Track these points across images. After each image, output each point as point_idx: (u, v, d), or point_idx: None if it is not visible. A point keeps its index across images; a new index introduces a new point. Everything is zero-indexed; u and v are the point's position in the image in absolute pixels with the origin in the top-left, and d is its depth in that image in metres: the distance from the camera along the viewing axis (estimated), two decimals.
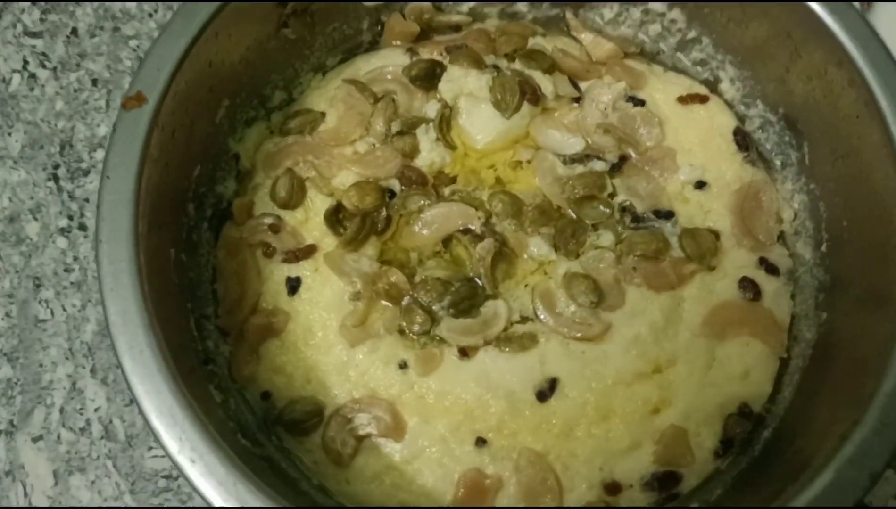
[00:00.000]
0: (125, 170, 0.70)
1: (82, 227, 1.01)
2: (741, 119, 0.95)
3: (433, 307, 0.84)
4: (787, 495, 0.64)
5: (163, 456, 0.91)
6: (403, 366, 0.82)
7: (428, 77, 0.93)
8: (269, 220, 0.86)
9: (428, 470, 0.79)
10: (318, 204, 0.88)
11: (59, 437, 0.92)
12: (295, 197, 0.87)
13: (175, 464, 0.64)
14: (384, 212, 0.88)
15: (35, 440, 0.91)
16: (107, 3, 1.13)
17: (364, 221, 0.86)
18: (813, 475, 0.64)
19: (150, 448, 0.91)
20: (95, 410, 0.93)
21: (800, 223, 0.90)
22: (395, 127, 0.91)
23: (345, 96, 0.92)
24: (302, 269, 0.86)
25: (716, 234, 0.88)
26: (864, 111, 0.76)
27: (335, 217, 0.87)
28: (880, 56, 0.76)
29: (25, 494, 0.90)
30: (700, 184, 0.91)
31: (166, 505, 0.89)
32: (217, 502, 0.62)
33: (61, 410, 0.93)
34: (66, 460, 0.91)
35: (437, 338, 0.83)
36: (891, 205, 0.74)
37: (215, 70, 0.81)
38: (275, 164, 0.90)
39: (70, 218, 1.02)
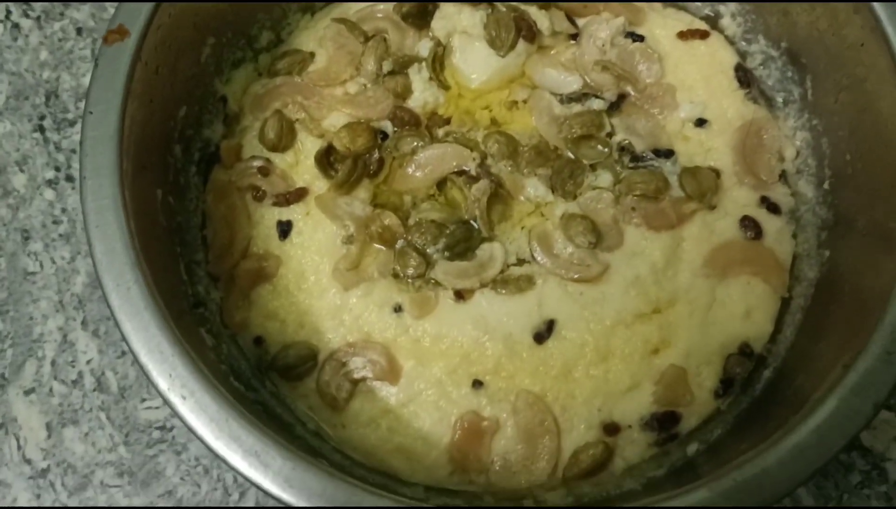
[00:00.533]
0: (108, 104, 0.68)
1: (70, 179, 1.00)
2: (742, 56, 0.93)
3: (428, 250, 0.83)
4: (790, 425, 0.63)
5: (157, 408, 0.90)
6: (398, 309, 0.81)
7: (420, 14, 0.90)
8: (258, 163, 0.85)
9: (424, 413, 0.79)
10: (308, 146, 0.87)
11: (51, 390, 0.91)
12: (284, 139, 0.86)
13: (166, 401, 0.63)
14: (376, 154, 0.86)
15: (27, 393, 0.91)
16: None
17: (356, 163, 0.84)
18: (816, 404, 0.63)
19: (143, 399, 0.90)
20: (87, 362, 0.92)
21: (802, 161, 0.89)
22: (387, 66, 0.89)
23: (334, 35, 0.90)
24: (293, 213, 0.84)
25: (717, 173, 0.87)
26: (870, 37, 0.75)
27: (326, 159, 0.85)
28: None
29: (19, 447, 0.89)
30: (701, 122, 0.89)
31: (161, 455, 0.88)
32: (209, 439, 0.61)
33: (53, 363, 0.92)
34: (59, 413, 0.90)
35: (433, 281, 0.82)
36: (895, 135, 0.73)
37: (200, 5, 0.79)
38: (263, 106, 0.88)
39: (57, 169, 1.00)
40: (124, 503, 0.85)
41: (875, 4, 0.74)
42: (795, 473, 0.61)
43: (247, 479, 0.61)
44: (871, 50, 0.75)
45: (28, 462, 0.87)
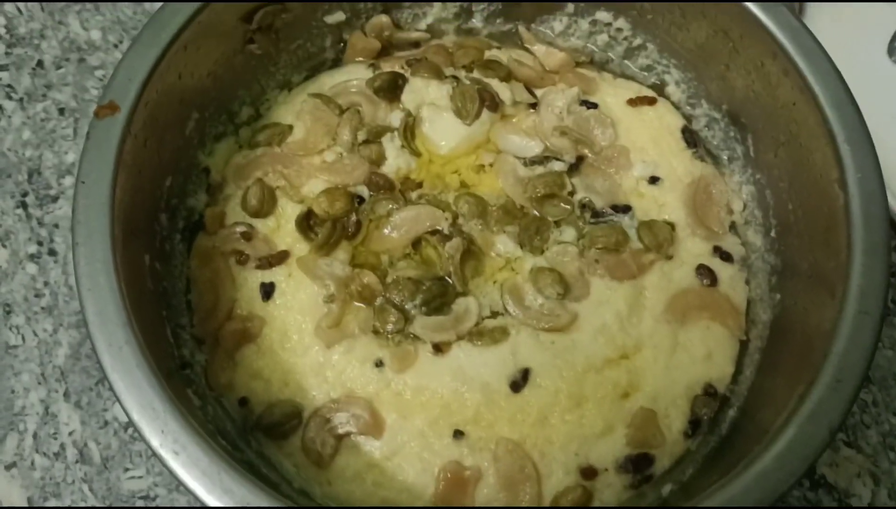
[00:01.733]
0: (99, 174, 0.71)
1: (52, 253, 1.02)
2: (688, 119, 1.00)
3: (406, 306, 0.86)
4: (754, 455, 0.67)
5: (140, 477, 0.91)
6: (379, 364, 0.84)
7: (391, 88, 0.96)
8: (241, 229, 0.88)
9: (408, 466, 0.80)
10: (288, 211, 0.90)
11: (32, 463, 0.91)
12: (266, 205, 0.89)
13: (158, 458, 0.64)
14: (354, 218, 0.90)
15: (8, 467, 0.90)
16: (71, 36, 1.15)
17: (335, 226, 0.88)
18: (776, 434, 0.67)
19: (127, 469, 0.91)
20: (70, 434, 0.92)
21: (749, 212, 0.95)
22: (361, 136, 0.94)
23: (311, 109, 0.95)
24: (275, 275, 0.87)
25: (671, 226, 0.93)
26: (800, 97, 0.82)
27: (306, 223, 0.89)
28: (810, 45, 0.82)
29: None
30: (653, 180, 0.95)
31: None
32: (201, 493, 0.63)
33: (34, 436, 0.92)
34: (41, 487, 0.89)
35: (412, 335, 0.85)
36: (829, 184, 0.79)
37: (185, 82, 0.84)
38: (245, 175, 0.92)
39: (40, 243, 1.02)
40: None
41: (803, 67, 0.81)
42: (761, 498, 0.64)
43: None
44: (802, 109, 0.82)
45: None
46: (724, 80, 0.94)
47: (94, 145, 0.73)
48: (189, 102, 0.87)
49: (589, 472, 0.82)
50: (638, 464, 0.82)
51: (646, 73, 1.03)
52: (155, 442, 0.64)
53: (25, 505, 0.89)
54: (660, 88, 1.02)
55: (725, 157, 0.98)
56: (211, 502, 0.63)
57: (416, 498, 0.79)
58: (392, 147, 0.94)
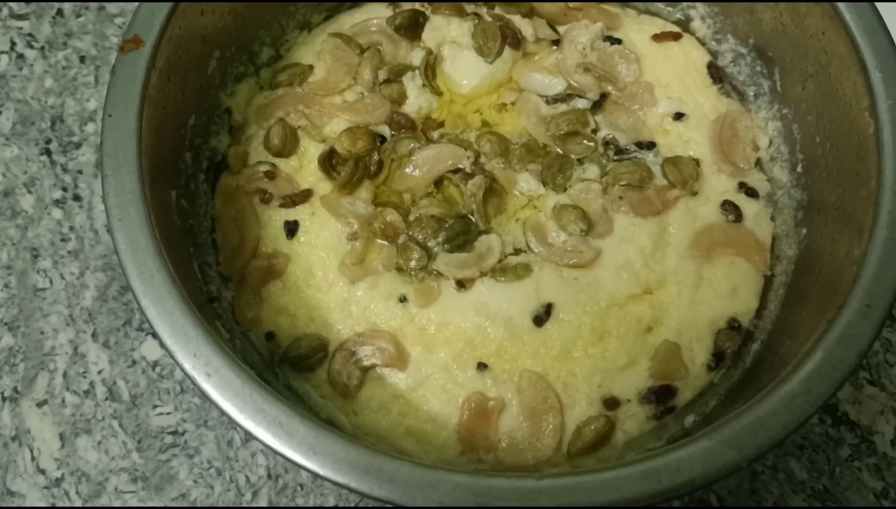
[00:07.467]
0: (126, 108, 0.72)
1: (77, 198, 1.03)
2: (714, 55, 0.99)
3: (428, 243, 0.87)
4: (781, 377, 0.67)
5: (168, 413, 0.92)
6: (403, 299, 0.84)
7: (412, 26, 0.95)
8: (264, 168, 0.89)
9: (433, 397, 0.81)
10: (311, 151, 0.90)
11: (63, 401, 0.92)
12: (288, 145, 0.90)
13: (192, 380, 0.65)
14: (376, 156, 0.90)
15: (40, 405, 0.92)
16: None
17: (357, 165, 0.88)
18: (804, 357, 0.67)
19: (155, 406, 0.92)
20: (99, 373, 0.94)
21: (775, 149, 0.94)
22: (382, 75, 0.93)
23: (332, 49, 0.95)
24: (299, 213, 0.88)
25: (696, 162, 0.92)
26: (830, 26, 0.80)
27: (329, 162, 0.89)
28: None
29: (33, 458, 0.90)
30: (678, 116, 0.94)
31: (173, 460, 0.90)
32: (234, 413, 0.64)
33: (64, 375, 0.94)
34: (72, 423, 0.91)
35: (435, 272, 0.86)
36: (859, 113, 0.78)
37: (206, 20, 0.84)
38: (266, 116, 0.92)
39: (64, 189, 1.03)
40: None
41: None
42: (788, 421, 0.64)
43: (272, 449, 0.63)
44: (832, 37, 0.81)
45: (42, 472, 0.89)
46: (751, 13, 0.92)
47: (121, 79, 0.73)
48: (211, 41, 0.87)
49: (612, 403, 0.82)
50: (660, 396, 0.83)
51: (670, 9, 1.01)
52: (188, 366, 0.65)
53: (57, 440, 0.91)
54: (685, 24, 1.00)
55: (752, 93, 0.96)
56: (244, 422, 0.64)
57: (440, 428, 0.80)
58: (413, 86, 0.94)
